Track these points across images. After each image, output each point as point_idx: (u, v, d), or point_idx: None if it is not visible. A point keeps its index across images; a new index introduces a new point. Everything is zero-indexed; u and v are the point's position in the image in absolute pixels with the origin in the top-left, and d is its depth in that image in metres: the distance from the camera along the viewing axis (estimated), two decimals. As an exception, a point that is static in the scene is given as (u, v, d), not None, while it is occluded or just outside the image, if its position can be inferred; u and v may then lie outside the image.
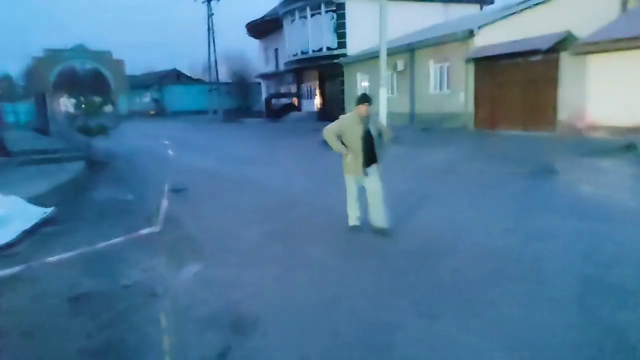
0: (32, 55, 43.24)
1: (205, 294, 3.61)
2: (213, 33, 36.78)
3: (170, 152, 14.00)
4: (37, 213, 5.52)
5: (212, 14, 36.84)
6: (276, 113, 32.21)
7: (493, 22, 15.91)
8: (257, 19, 35.70)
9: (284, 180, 8.61)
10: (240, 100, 46.02)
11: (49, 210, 5.74)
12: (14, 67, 43.16)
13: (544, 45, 12.53)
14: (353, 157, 4.71)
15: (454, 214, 5.67)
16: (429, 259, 4.19)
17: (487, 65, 15.19)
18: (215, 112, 37.97)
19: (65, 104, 67.68)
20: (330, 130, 4.79)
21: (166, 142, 17.24)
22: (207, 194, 7.58)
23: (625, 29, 11.64)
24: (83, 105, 14.00)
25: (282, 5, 28.64)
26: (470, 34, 15.71)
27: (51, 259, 4.40)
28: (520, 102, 14.13)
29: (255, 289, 3.71)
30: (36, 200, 6.10)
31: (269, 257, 4.44)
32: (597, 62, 11.95)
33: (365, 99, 4.71)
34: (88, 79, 49.12)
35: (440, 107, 17.35)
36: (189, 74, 53.75)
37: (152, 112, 48.60)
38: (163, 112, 48.68)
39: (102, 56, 45.94)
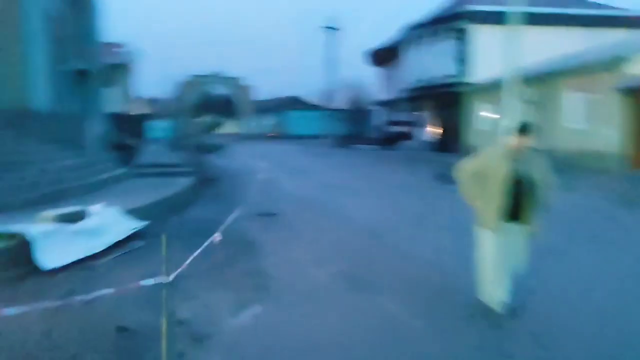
0: (179, 80, 48.80)
1: (255, 346, 3.06)
2: (332, 60, 37.74)
3: (275, 174, 14.12)
4: (130, 226, 5.56)
5: (331, 41, 37.92)
6: (389, 141, 31.61)
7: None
8: (376, 47, 35.82)
9: (381, 217, 7.82)
10: (355, 126, 46.32)
11: (141, 225, 5.77)
12: (166, 90, 50.06)
13: None
14: (493, 206, 3.53)
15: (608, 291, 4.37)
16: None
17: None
18: (329, 137, 38.66)
19: (199, 123, 75.06)
20: (467, 169, 3.72)
21: (275, 163, 17.59)
22: (293, 222, 7.16)
23: None
24: (203, 125, 14.83)
25: (401, 32, 28.25)
26: (624, 60, 13.31)
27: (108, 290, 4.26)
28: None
29: (307, 345, 3.06)
30: (138, 212, 6.22)
31: (337, 306, 3.75)
32: None
33: (524, 128, 3.57)
34: (219, 102, 54.08)
35: (580, 144, 14.87)
36: (307, 100, 55.96)
37: (271, 135, 51.35)
38: (282, 135, 51.14)
39: (232, 82, 50.17)
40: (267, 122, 54.30)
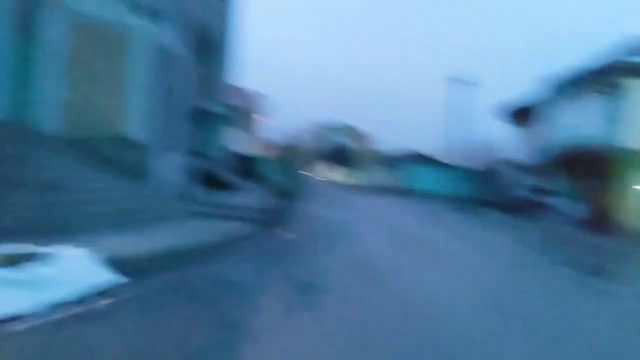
0: (302, 127, 50.71)
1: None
2: (461, 116, 35.09)
3: (375, 241, 12.14)
4: (94, 282, 4.37)
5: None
6: (522, 209, 27.39)
7: None
8: (512, 103, 32.42)
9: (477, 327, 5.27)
10: (484, 189, 42.18)
11: (111, 282, 4.54)
12: (289, 135, 52.90)
13: None
14: None
15: None
16: None
17: None
18: (455, 198, 35.51)
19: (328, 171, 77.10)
20: None
21: (383, 224, 15.57)
22: (335, 301, 5.29)
23: None
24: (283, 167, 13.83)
25: (542, 87, 24.85)
26: None
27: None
28: None
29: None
30: (144, 260, 5.10)
31: None
32: None
33: None
34: (340, 152, 54.56)
35: None
36: (432, 155, 53.28)
37: (391, 189, 49.51)
38: (403, 190, 49.00)
39: (354, 132, 50.39)
40: (388, 176, 52.76)
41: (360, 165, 52.65)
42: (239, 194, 15.30)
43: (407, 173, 51.14)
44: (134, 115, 10.96)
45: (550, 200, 27.05)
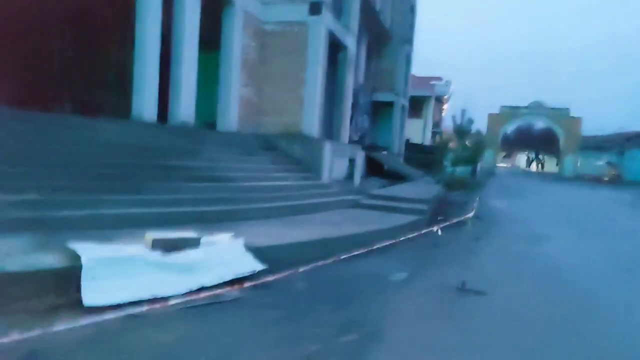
0: (488, 112, 46.43)
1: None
2: None
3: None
4: (239, 269, 4.49)
5: None
6: None
7: None
8: None
9: None
10: None
11: (254, 269, 4.60)
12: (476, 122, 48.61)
13: None
14: None
15: None
16: None
17: None
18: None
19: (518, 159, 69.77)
20: None
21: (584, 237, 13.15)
22: (500, 310, 4.40)
23: None
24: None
25: None
26: None
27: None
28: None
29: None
30: (276, 250, 5.17)
31: None
32: None
33: None
34: (539, 137, 48.02)
35: None
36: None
37: (605, 179, 41.59)
38: (619, 180, 40.73)
39: (558, 113, 43.65)
40: (599, 163, 44.41)
41: (561, 151, 45.78)
42: (411, 185, 14.74)
43: (627, 159, 42.16)
44: (307, 110, 11.44)
45: None
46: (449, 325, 3.92)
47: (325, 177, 10.63)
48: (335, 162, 11.45)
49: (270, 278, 4.65)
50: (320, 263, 5.41)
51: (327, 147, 10.84)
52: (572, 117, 43.75)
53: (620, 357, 3.59)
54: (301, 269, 5.07)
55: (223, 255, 4.52)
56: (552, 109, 44.16)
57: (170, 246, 4.32)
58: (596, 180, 40.64)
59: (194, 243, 4.53)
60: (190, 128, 9.07)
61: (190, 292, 3.99)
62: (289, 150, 10.43)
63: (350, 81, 14.15)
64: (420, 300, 4.58)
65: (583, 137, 44.46)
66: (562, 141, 44.46)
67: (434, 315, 4.18)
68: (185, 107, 9.02)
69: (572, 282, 5.68)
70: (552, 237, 9.02)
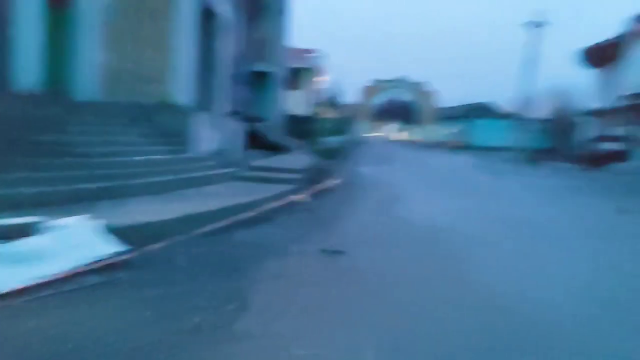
0: (364, 84, 49.24)
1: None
2: (534, 62, 32.08)
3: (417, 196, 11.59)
4: (98, 252, 4.20)
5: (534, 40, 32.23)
6: (595, 160, 25.03)
7: None
8: (593, 44, 29.15)
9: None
10: (555, 140, 39.13)
11: (116, 251, 4.32)
12: (350, 95, 51.21)
13: None
14: None
15: None
16: None
17: None
18: (521, 150, 33.20)
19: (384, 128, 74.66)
20: None
21: (434, 182, 14.84)
22: (362, 267, 4.88)
23: None
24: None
25: (625, 24, 21.92)
26: None
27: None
28: None
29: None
30: (157, 227, 4.99)
31: None
32: None
33: None
34: (401, 108, 52.51)
35: None
36: (498, 107, 49.83)
37: (454, 145, 47.33)
38: (466, 146, 46.69)
39: (415, 87, 47.99)
40: (450, 131, 50.28)
41: (420, 122, 50.56)
42: (288, 156, 15.09)
43: (471, 128, 48.38)
44: (177, 79, 10.88)
45: (628, 149, 24.48)
46: (315, 285, 4.24)
47: (202, 149, 10.34)
48: (212, 134, 11.18)
49: (145, 255, 4.49)
50: (198, 235, 5.38)
51: (203, 119, 10.49)
52: (429, 90, 48.49)
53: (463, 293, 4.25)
54: (179, 244, 4.97)
55: (76, 239, 4.15)
56: (413, 82, 48.36)
57: (4, 234, 3.86)
58: (448, 147, 46.21)
59: (36, 228, 4.09)
60: (42, 97, 8.04)
61: (36, 282, 3.59)
62: (162, 122, 9.86)
63: (226, 50, 13.74)
64: (294, 263, 4.85)
65: (441, 108, 49.65)
66: (421, 112, 49.16)
67: (305, 276, 4.47)
68: (28, 71, 7.95)
69: (431, 239, 6.47)
70: (411, 197, 10.12)
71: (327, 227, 6.69)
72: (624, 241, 7.05)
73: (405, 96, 51.21)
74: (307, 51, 35.78)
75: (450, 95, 64.57)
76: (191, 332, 3.11)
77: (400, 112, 55.36)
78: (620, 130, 25.90)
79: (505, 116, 45.46)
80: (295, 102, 32.64)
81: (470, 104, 50.72)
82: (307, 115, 32.06)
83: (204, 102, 12.82)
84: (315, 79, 38.13)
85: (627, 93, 21.55)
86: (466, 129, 48.82)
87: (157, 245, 4.80)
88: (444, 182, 14.66)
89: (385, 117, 61.21)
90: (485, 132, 46.53)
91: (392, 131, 76.75)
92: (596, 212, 10.00)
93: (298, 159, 13.51)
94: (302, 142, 22.61)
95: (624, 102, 22.15)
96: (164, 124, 9.88)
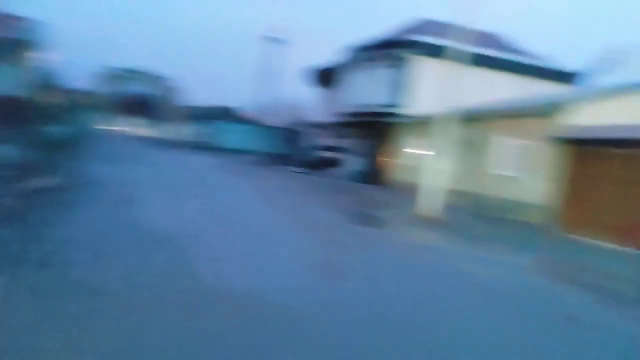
0: (91, 72, 43.89)
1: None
2: (270, 74, 35.24)
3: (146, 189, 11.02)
4: None
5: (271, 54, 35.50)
6: (317, 166, 29.54)
7: (596, 98, 12.28)
8: (317, 66, 34.08)
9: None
10: (287, 147, 44.08)
11: None
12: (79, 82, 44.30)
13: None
14: None
15: None
16: None
17: (583, 151, 11.42)
18: (258, 154, 35.90)
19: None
20: None
21: (168, 177, 14.38)
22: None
23: None
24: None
25: (343, 53, 26.49)
26: (562, 107, 12.16)
27: None
28: (628, 206, 10.12)
29: None
30: None
31: None
32: None
33: None
34: (139, 102, 49.31)
35: (510, 192, 13.56)
36: (240, 112, 52.82)
37: (197, 145, 47.46)
38: (211, 147, 47.47)
39: (156, 81, 46.01)
40: (195, 131, 50.26)
41: (165, 118, 48.66)
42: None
43: (215, 129, 49.44)
44: None
45: (341, 157, 29.76)
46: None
47: None
48: None
49: None
50: None
51: None
52: (174, 86, 47.21)
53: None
54: None
55: None
56: (155, 76, 46.14)
57: None
58: (191, 147, 46.09)
59: None
60: None
61: None
62: None
63: None
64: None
65: (187, 107, 48.86)
66: (166, 108, 47.37)
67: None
68: None
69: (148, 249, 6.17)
70: (141, 199, 9.54)
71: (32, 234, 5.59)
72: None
73: (148, 90, 48.36)
74: (18, 19, 29.41)
75: (197, 95, 64.42)
76: None
77: (143, 107, 51.99)
78: (336, 142, 31.12)
79: (248, 121, 48.49)
80: (8, 81, 26.44)
81: (216, 106, 51.90)
82: (18, 97, 26.47)
83: None
84: (32, 54, 31.82)
85: (341, 111, 26.10)
86: (211, 130, 49.73)
87: None
88: (181, 182, 14.55)
89: (127, 110, 56.41)
90: (229, 135, 48.43)
91: (134, 126, 71.45)
92: (295, 205, 11.67)
93: (12, 150, 10.97)
94: (10, 129, 18.48)
95: (339, 118, 26.75)
96: None
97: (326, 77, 32.37)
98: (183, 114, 48.64)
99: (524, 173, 13.24)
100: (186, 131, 49.70)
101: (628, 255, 9.35)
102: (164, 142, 44.71)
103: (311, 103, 39.15)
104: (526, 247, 9.50)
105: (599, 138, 10.95)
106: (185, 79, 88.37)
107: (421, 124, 19.12)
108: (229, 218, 8.88)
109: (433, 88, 16.88)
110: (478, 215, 13.09)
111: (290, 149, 44.04)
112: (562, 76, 24.58)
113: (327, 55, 50.29)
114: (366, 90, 23.84)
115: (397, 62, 22.33)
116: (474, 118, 15.82)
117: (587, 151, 11.34)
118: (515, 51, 25.27)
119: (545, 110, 12.85)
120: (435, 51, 19.86)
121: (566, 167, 11.89)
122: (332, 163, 29.82)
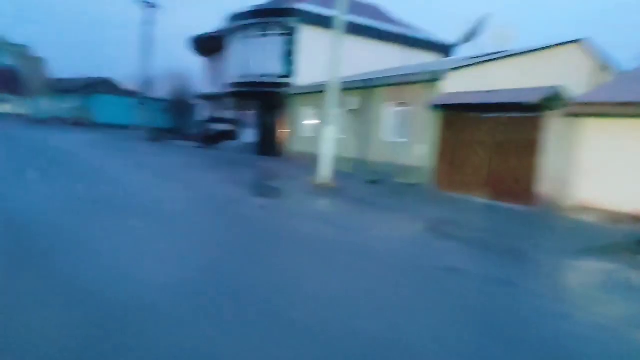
0: None
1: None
2: (150, 42, 32.70)
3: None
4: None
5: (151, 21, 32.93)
6: (211, 139, 28.56)
7: (465, 66, 13.48)
8: (202, 34, 32.42)
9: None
10: (176, 120, 41.85)
11: None
12: None
13: (533, 98, 9.97)
14: None
15: None
16: None
17: (454, 117, 12.61)
18: (144, 128, 33.57)
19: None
20: None
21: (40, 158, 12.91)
22: None
23: (632, 92, 9.35)
24: None
25: (227, 21, 25.49)
26: (438, 75, 13.19)
27: None
28: (491, 164, 11.49)
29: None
30: None
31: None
32: (594, 129, 9.52)
33: None
34: (4, 75, 42.92)
35: (395, 157, 14.52)
36: (121, 84, 48.59)
37: (73, 121, 43.01)
38: (88, 122, 43.26)
39: (19, 50, 40.34)
40: (68, 106, 45.29)
41: (34, 93, 43.03)
42: None
43: (93, 103, 44.95)
44: None
45: (234, 129, 29.10)
46: None
47: None
48: None
49: None
50: None
51: None
52: (36, 56, 41.71)
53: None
54: None
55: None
56: (11, 44, 40.26)
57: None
58: (67, 123, 41.61)
59: None
60: None
61: None
62: None
63: None
64: None
65: (56, 80, 43.59)
66: (30, 81, 41.82)
67: None
68: None
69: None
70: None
71: None
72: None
73: (12, 62, 42.16)
74: None
75: (65, 65, 57.10)
76: None
77: (8, 82, 45.23)
78: (228, 114, 30.27)
79: (129, 93, 44.82)
80: None
81: (90, 78, 47.01)
82: None
83: None
84: None
85: (230, 81, 25.24)
86: (88, 104, 45.20)
87: None
88: (54, 163, 13.20)
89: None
90: (109, 109, 44.51)
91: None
92: (189, 180, 11.42)
93: None
94: None
95: (229, 89, 25.87)
96: None
97: (211, 45, 30.96)
98: (56, 88, 43.40)
99: (409, 138, 14.24)
100: (61, 106, 44.57)
101: (491, 207, 10.70)
102: (36, 120, 39.71)
103: (199, 73, 37.38)
104: (407, 207, 10.34)
105: (461, 104, 12.10)
106: (51, 48, 77.90)
107: (312, 94, 19.43)
108: (118, 199, 8.28)
109: (322, 58, 17.16)
110: (369, 181, 13.87)
111: (180, 122, 41.89)
112: (442, 48, 26.63)
113: (213, 22, 47.97)
114: (254, 59, 23.40)
115: (284, 31, 22.17)
116: (361, 87, 16.47)
117: (456, 116, 12.52)
118: (399, 24, 26.56)
119: (423, 79, 13.84)
120: (321, 20, 20.10)
121: (440, 132, 13.05)
122: (226, 136, 29.04)
